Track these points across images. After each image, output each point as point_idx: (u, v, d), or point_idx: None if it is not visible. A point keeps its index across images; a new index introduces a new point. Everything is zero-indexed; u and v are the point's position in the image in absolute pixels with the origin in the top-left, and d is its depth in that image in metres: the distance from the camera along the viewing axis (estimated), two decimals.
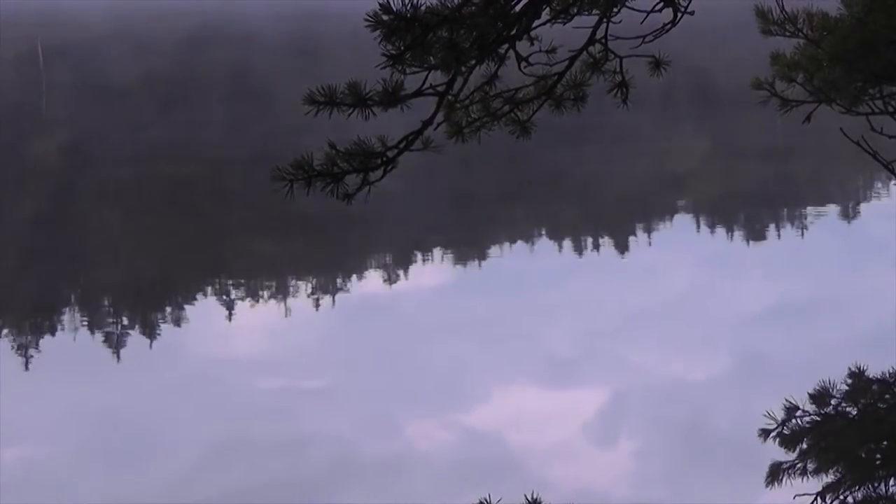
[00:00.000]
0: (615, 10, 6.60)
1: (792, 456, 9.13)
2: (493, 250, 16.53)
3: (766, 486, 8.72)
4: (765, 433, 9.42)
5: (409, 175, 10.18)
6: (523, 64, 6.49)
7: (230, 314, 13.77)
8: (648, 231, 17.60)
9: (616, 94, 6.91)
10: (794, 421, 9.65)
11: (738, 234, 17.34)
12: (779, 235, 17.04)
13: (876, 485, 8.78)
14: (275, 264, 16.18)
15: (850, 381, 10.31)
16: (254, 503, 8.86)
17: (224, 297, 14.52)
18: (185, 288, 15.04)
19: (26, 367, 12.03)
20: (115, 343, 12.75)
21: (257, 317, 13.64)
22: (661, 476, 9.12)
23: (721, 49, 41.68)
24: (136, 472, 9.33)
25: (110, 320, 13.61)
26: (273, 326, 13.31)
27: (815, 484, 8.69)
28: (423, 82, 6.03)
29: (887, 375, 10.45)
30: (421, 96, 6.06)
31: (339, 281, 15.16)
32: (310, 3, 66.21)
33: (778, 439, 9.38)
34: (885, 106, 10.76)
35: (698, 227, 17.97)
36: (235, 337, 13.16)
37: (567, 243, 16.88)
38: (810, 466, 9.00)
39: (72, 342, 12.81)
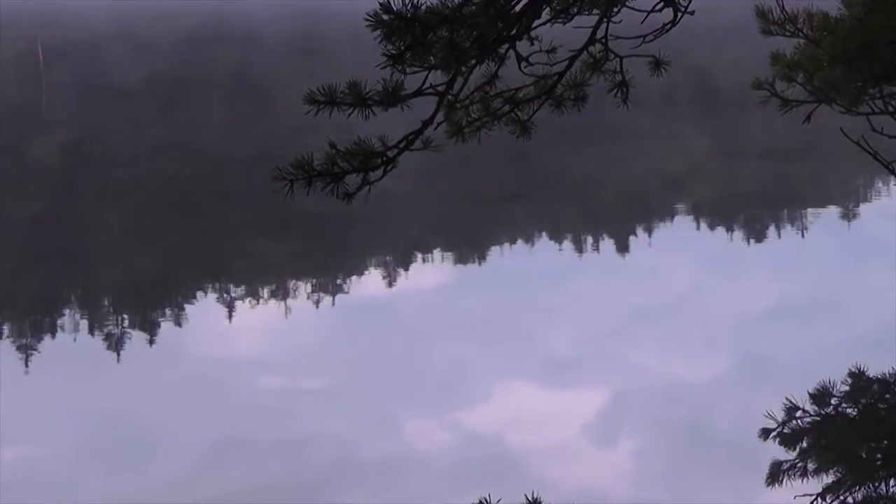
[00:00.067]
0: (615, 9, 6.59)
1: (792, 456, 9.13)
2: (493, 250, 16.53)
3: (767, 486, 8.72)
4: (765, 433, 9.42)
5: (410, 175, 10.18)
6: (523, 64, 6.49)
7: (230, 314, 13.77)
8: (649, 231, 17.59)
9: (616, 94, 6.90)
10: (794, 421, 9.65)
11: (739, 234, 17.34)
12: (779, 235, 17.04)
13: (876, 485, 8.77)
14: (275, 264, 16.18)
15: (850, 381, 10.31)
16: (254, 503, 8.86)
17: (224, 296, 14.51)
18: (185, 288, 15.03)
19: (26, 367, 12.02)
20: (115, 343, 12.75)
21: (257, 317, 13.64)
22: (661, 476, 9.12)
23: (721, 49, 41.69)
24: (136, 472, 9.33)
25: (110, 320, 13.61)
26: (273, 326, 13.31)
27: (815, 484, 8.69)
28: (424, 82, 6.03)
29: (887, 375, 10.45)
30: (421, 96, 6.05)
31: (339, 281, 15.16)
32: (310, 2, 66.24)
33: (778, 439, 9.38)
34: (885, 106, 10.76)
35: (698, 227, 17.97)
36: (235, 337, 13.16)
37: (567, 243, 16.88)
38: (810, 466, 8.99)
39: (72, 342, 12.81)
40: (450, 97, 6.24)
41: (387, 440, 9.89)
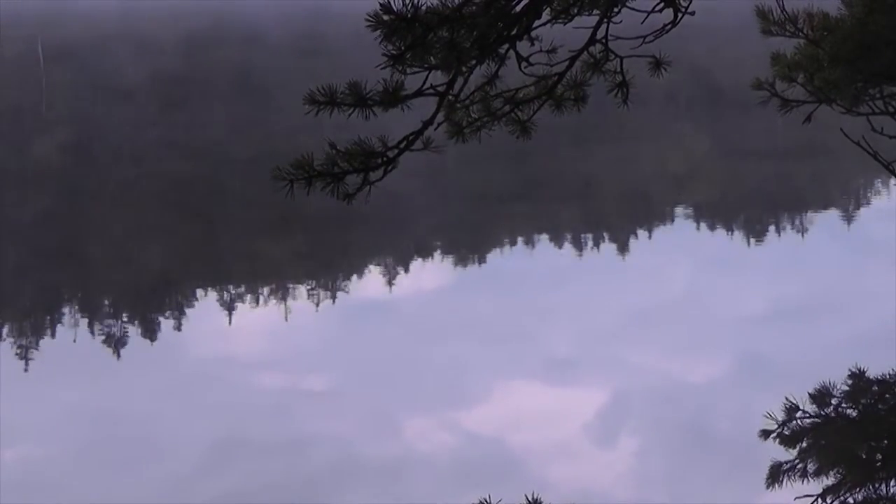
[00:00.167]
0: (616, 10, 6.59)
1: (792, 456, 9.13)
2: (494, 250, 16.54)
3: (767, 487, 8.72)
4: (765, 434, 9.42)
5: (410, 175, 10.18)
6: (524, 64, 6.48)
7: (230, 314, 13.77)
8: (649, 231, 17.60)
9: (616, 95, 6.90)
10: (794, 421, 9.65)
11: (739, 235, 17.34)
12: (779, 235, 17.04)
13: (877, 485, 8.77)
14: (275, 264, 16.19)
15: (850, 381, 10.31)
16: (254, 503, 8.86)
17: (224, 296, 14.51)
18: (185, 288, 15.04)
19: (26, 368, 12.02)
20: (115, 343, 12.75)
21: (257, 316, 13.64)
22: (661, 476, 9.12)
23: (721, 49, 41.69)
24: (136, 473, 9.33)
25: (110, 320, 13.61)
26: (273, 326, 13.31)
27: (815, 485, 8.68)
28: (424, 82, 6.03)
29: (887, 376, 10.45)
30: (421, 96, 6.05)
31: (339, 281, 15.16)
32: (313, 3, 66.25)
33: (778, 440, 9.38)
34: (885, 106, 10.76)
35: (698, 227, 17.97)
36: (235, 337, 13.16)
37: (567, 243, 16.88)
38: (811, 467, 8.99)
39: (72, 342, 12.81)
40: (450, 97, 6.24)
41: (387, 440, 9.89)
